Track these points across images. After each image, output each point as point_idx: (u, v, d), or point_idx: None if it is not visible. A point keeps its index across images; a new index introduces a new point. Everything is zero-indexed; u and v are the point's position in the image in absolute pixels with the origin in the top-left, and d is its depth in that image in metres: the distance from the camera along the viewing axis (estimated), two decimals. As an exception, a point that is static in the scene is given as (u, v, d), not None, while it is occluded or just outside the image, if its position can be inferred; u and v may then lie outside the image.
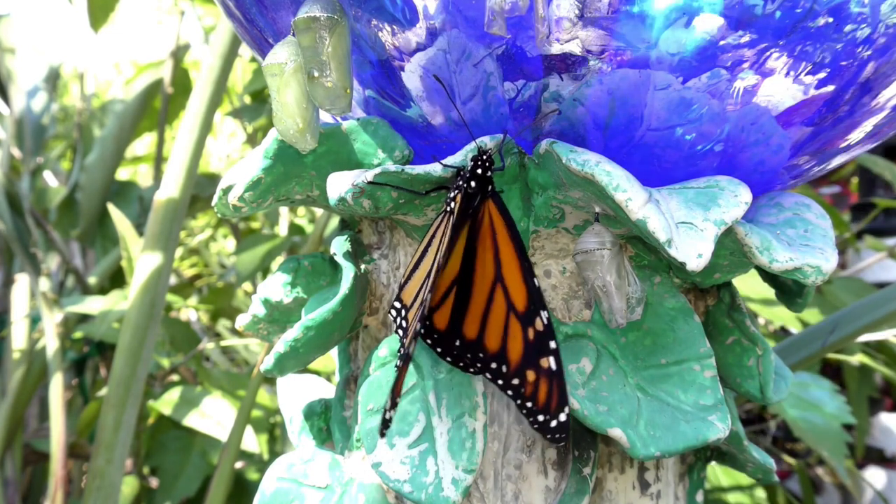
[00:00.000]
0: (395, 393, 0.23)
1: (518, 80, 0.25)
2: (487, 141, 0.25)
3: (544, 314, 0.24)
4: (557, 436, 0.24)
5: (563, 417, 0.24)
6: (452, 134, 0.27)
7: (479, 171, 0.25)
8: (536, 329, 0.24)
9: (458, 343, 0.26)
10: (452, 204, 0.25)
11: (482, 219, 0.25)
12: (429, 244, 0.26)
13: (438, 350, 0.26)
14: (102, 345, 0.80)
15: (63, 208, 0.93)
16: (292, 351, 0.29)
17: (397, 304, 0.26)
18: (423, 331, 0.26)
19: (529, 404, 0.25)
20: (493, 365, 0.25)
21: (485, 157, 0.25)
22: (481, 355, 0.25)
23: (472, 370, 0.26)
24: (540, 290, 0.25)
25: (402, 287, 0.26)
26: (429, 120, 0.27)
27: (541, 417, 0.24)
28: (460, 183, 0.25)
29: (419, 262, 0.26)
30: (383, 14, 0.25)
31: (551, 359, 0.24)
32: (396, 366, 0.25)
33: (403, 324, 0.26)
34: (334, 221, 0.67)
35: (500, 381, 0.25)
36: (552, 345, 0.24)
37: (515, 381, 0.25)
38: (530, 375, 0.24)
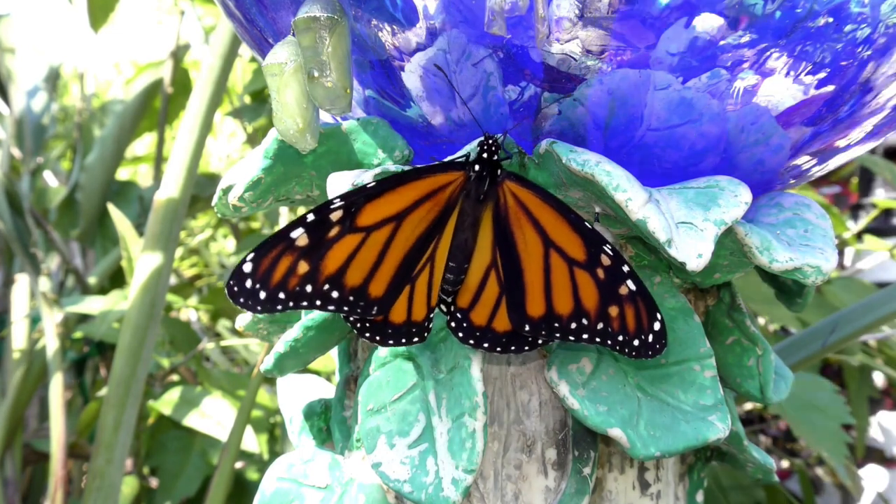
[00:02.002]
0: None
1: (518, 80, 0.25)
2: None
3: (607, 247, 0.24)
4: (658, 346, 0.24)
5: (657, 327, 0.24)
6: (452, 134, 0.27)
7: (485, 155, 0.25)
8: (604, 265, 0.24)
9: (527, 328, 0.25)
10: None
11: (505, 202, 0.25)
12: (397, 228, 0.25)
13: (485, 345, 0.26)
14: (102, 345, 0.80)
15: (63, 208, 0.93)
16: (292, 351, 0.29)
17: None
18: (461, 334, 0.26)
19: (621, 337, 0.24)
20: (574, 325, 0.24)
21: (490, 142, 0.25)
22: (557, 324, 0.25)
23: (527, 348, 0.26)
24: (595, 231, 0.24)
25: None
26: (429, 120, 0.27)
27: (636, 342, 0.24)
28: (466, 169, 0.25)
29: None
30: (383, 14, 0.25)
31: (629, 282, 0.24)
32: None
33: None
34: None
35: (584, 336, 0.24)
36: (625, 269, 0.24)
37: (601, 326, 0.24)
38: (613, 311, 0.24)
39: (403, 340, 0.26)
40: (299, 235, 0.24)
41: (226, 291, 0.24)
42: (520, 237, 0.25)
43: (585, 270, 0.24)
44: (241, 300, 0.24)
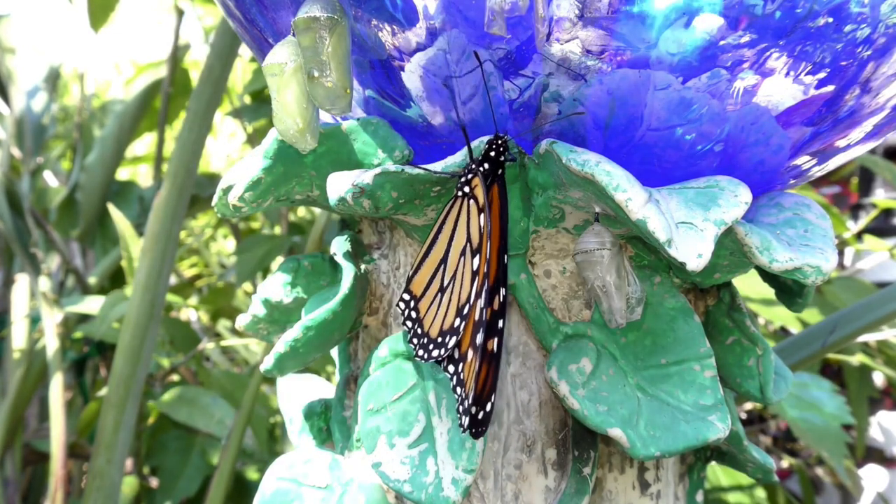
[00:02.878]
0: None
1: (518, 80, 0.25)
2: (488, 141, 0.26)
3: (503, 291, 0.24)
4: (475, 430, 0.23)
5: (488, 407, 0.23)
6: (452, 134, 0.27)
7: (493, 153, 0.25)
8: (493, 307, 0.24)
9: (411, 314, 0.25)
10: (466, 188, 0.25)
11: (489, 202, 0.25)
12: (440, 231, 0.25)
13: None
14: (102, 345, 0.80)
15: (63, 208, 0.93)
16: (292, 351, 0.29)
17: (406, 297, 0.25)
18: (408, 323, 0.26)
19: (459, 390, 0.24)
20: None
21: (500, 142, 0.25)
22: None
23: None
24: (507, 273, 0.24)
25: (410, 279, 0.26)
26: (429, 120, 0.27)
27: (465, 403, 0.24)
28: (473, 167, 0.25)
29: (429, 249, 0.25)
30: (383, 14, 0.25)
31: (496, 340, 0.23)
32: (404, 323, 0.25)
33: (413, 315, 0.25)
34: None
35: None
36: (500, 324, 0.24)
37: (454, 367, 0.24)
38: (469, 354, 0.24)
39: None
40: None
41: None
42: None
43: (478, 298, 0.24)
44: None
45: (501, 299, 0.24)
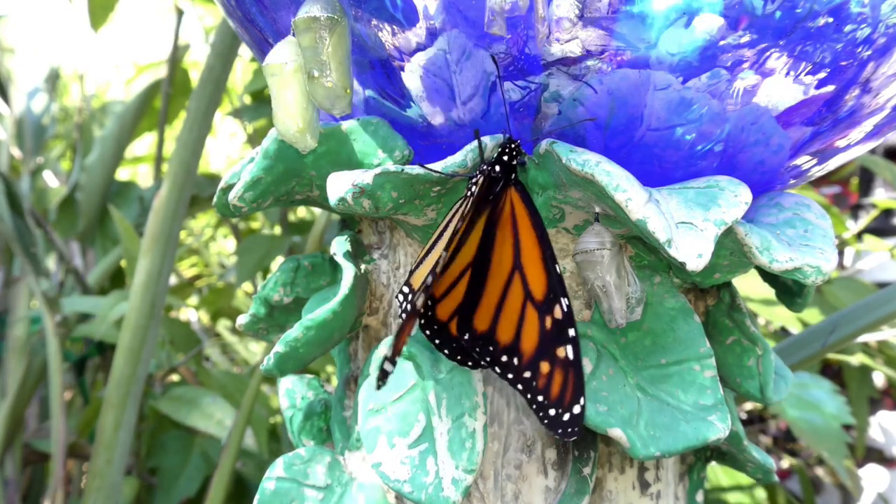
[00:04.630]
0: (399, 343, 0.22)
1: (518, 80, 0.25)
2: (487, 141, 0.25)
3: (564, 301, 0.23)
4: (570, 430, 0.23)
5: (576, 410, 0.23)
6: (452, 134, 0.27)
7: (505, 157, 0.25)
8: (555, 317, 0.23)
9: (466, 337, 0.25)
10: (474, 188, 0.25)
11: (503, 207, 0.25)
12: (445, 228, 0.25)
13: (437, 342, 0.26)
14: (102, 345, 0.80)
15: (63, 208, 0.93)
16: (292, 351, 0.29)
17: (405, 289, 0.25)
18: (422, 321, 0.26)
19: (541, 398, 0.23)
20: (504, 358, 0.24)
21: (513, 146, 0.25)
22: (491, 348, 0.24)
23: (471, 364, 0.26)
24: (561, 278, 0.24)
25: (412, 272, 0.26)
26: (429, 120, 0.27)
27: (552, 412, 0.23)
28: (485, 168, 0.25)
29: (433, 246, 0.25)
30: (383, 14, 0.25)
31: (569, 347, 0.23)
32: (400, 316, 0.24)
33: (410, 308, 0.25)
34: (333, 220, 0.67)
35: (509, 375, 0.24)
36: (571, 332, 0.23)
37: (527, 375, 0.24)
38: (544, 367, 0.23)
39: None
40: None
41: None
42: (498, 246, 0.25)
43: (536, 311, 0.24)
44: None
45: (565, 308, 0.23)
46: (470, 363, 0.26)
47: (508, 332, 0.24)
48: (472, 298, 0.25)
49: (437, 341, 0.26)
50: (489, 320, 0.24)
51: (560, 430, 0.23)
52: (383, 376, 0.22)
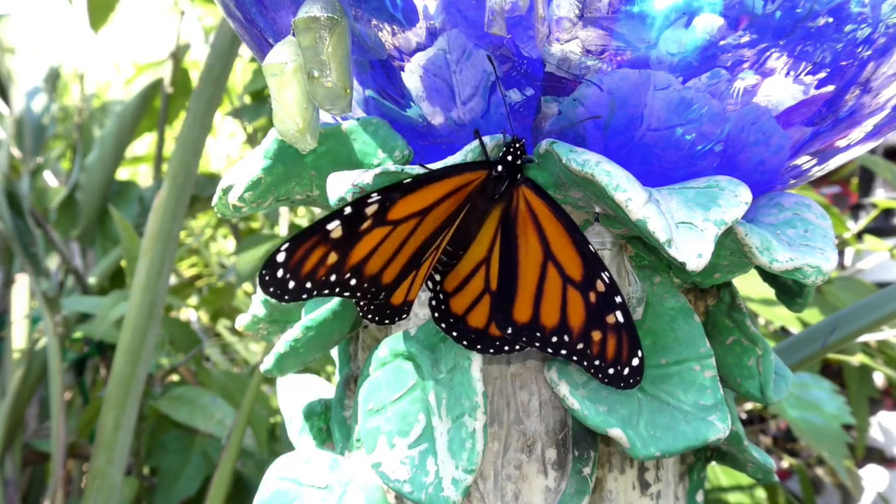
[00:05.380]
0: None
1: (518, 80, 0.25)
2: (487, 141, 0.26)
3: (605, 275, 0.24)
4: (632, 381, 0.25)
5: (635, 362, 0.25)
6: (452, 134, 0.27)
7: (510, 157, 0.25)
8: (598, 291, 0.24)
9: (509, 332, 0.25)
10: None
11: (517, 205, 0.25)
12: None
13: (453, 335, 0.26)
14: (102, 345, 0.80)
15: (63, 208, 0.93)
16: (292, 351, 0.29)
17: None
18: (436, 314, 0.27)
19: (597, 362, 0.25)
20: (554, 339, 0.25)
21: (517, 146, 0.25)
22: (538, 334, 0.25)
23: (492, 351, 0.26)
24: (597, 255, 0.25)
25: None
26: (429, 120, 0.27)
27: (611, 371, 0.25)
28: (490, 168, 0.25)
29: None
30: (383, 14, 0.25)
31: (618, 313, 0.24)
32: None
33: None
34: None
35: (563, 352, 0.25)
36: (617, 300, 0.24)
37: (580, 346, 0.25)
38: (596, 335, 0.24)
39: (396, 318, 0.27)
40: (335, 227, 0.24)
41: (257, 279, 0.24)
42: (522, 242, 0.25)
43: (578, 291, 0.25)
44: (271, 289, 0.24)
45: (607, 281, 0.24)
46: (491, 350, 0.26)
47: (553, 316, 0.25)
48: (505, 295, 0.26)
49: (453, 334, 0.27)
50: (530, 311, 0.25)
51: (622, 384, 0.25)
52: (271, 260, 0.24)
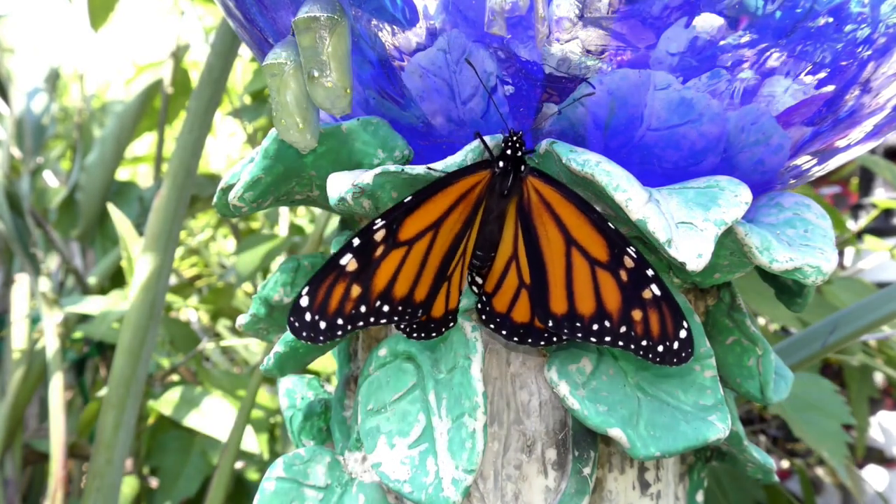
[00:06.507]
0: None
1: (518, 80, 0.25)
2: (489, 141, 0.26)
3: (631, 250, 0.24)
4: (684, 354, 0.24)
5: (683, 334, 0.24)
6: (452, 134, 0.27)
7: (509, 151, 0.25)
8: (628, 268, 0.24)
9: (551, 324, 0.25)
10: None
11: (528, 198, 0.25)
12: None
13: (503, 333, 0.26)
14: (102, 345, 0.80)
15: (63, 208, 0.93)
16: (292, 351, 0.29)
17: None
18: (483, 316, 0.27)
19: (644, 342, 0.24)
20: (595, 327, 0.24)
21: (515, 139, 0.25)
22: (579, 324, 0.25)
23: (542, 343, 0.26)
24: (618, 231, 0.24)
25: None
26: (429, 120, 0.27)
27: (660, 348, 0.24)
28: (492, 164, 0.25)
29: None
30: (383, 14, 0.25)
31: (653, 286, 0.24)
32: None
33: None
34: (334, 221, 0.67)
35: (607, 339, 0.24)
36: (649, 273, 0.24)
37: (623, 330, 0.24)
38: (637, 315, 0.24)
39: (444, 329, 0.27)
40: (348, 261, 0.24)
41: (288, 329, 0.24)
42: (542, 233, 0.25)
43: (608, 271, 0.24)
44: (304, 334, 0.24)
45: (634, 255, 0.24)
46: (542, 342, 0.26)
47: (588, 302, 0.25)
48: (539, 288, 0.25)
49: (503, 332, 0.27)
50: (565, 301, 0.25)
51: (675, 359, 0.24)
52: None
